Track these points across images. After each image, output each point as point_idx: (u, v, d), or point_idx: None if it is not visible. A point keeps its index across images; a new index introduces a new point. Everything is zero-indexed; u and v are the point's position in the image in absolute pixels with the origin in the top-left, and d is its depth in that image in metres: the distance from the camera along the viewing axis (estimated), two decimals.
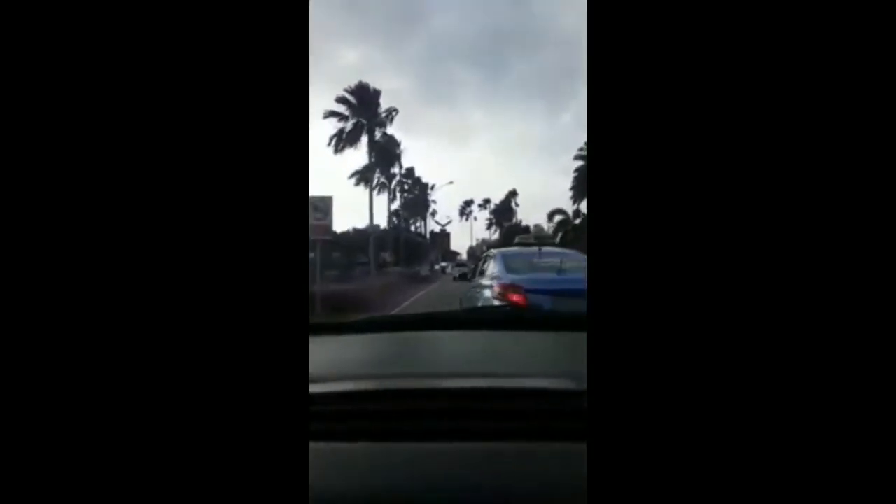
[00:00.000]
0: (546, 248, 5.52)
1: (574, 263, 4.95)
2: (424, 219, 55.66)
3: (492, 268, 5.30)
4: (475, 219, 77.55)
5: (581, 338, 0.57)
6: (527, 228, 59.21)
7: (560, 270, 4.72)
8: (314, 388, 0.67)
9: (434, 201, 58.06)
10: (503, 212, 67.79)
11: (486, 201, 73.07)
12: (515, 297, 4.40)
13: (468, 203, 77.48)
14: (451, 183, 41.22)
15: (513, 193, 69.53)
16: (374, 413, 0.72)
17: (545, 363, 0.98)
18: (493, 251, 6.06)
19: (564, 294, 4.16)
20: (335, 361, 1.00)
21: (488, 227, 71.40)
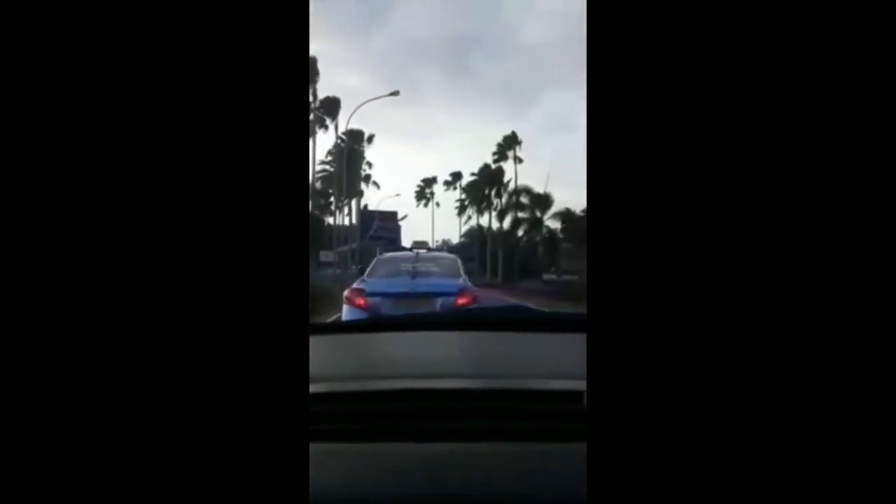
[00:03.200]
0: (424, 253, 5.99)
1: (437, 269, 5.44)
2: (354, 189, 34.22)
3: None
4: (437, 204, 55.90)
5: (581, 339, 0.57)
6: (548, 198, 38.03)
7: (415, 275, 5.15)
8: (314, 388, 0.69)
9: (370, 163, 37.44)
10: (487, 183, 43.23)
11: (455, 176, 51.49)
12: (358, 301, 4.90)
13: (429, 182, 56.25)
14: (395, 94, 20.46)
15: (511, 141, 42.18)
16: (374, 413, 0.73)
17: (545, 364, 0.98)
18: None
19: (406, 297, 4.76)
20: (335, 362, 1.00)
21: (460, 213, 49.75)
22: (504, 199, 40.88)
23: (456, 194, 49.51)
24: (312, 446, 0.53)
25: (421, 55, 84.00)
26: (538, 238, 38.89)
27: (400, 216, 52.11)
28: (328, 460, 0.62)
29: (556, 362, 0.97)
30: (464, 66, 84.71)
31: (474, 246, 44.35)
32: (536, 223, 38.66)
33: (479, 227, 45.64)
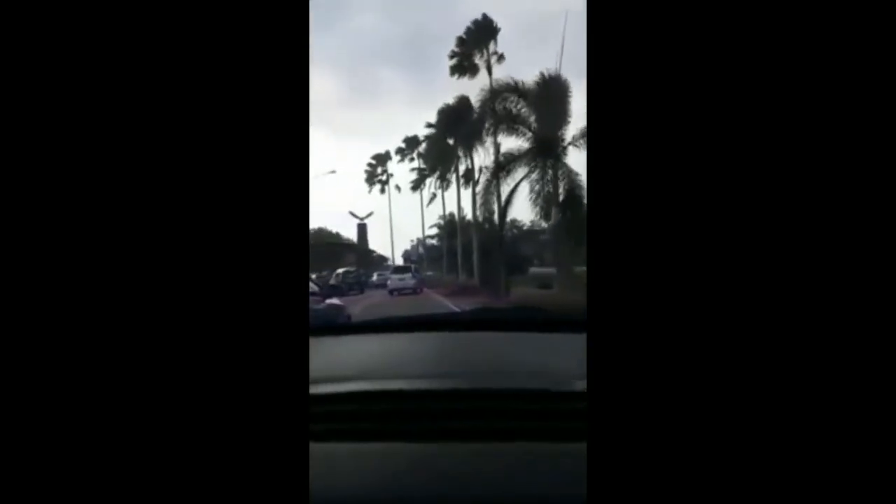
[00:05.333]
0: None
1: None
2: None
3: None
4: (398, 188, 41.87)
5: (581, 339, 0.57)
6: (563, 99, 14.05)
7: None
8: (314, 389, 0.69)
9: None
10: (449, 130, 23.79)
11: (411, 143, 37.44)
12: None
13: (381, 159, 42.27)
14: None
15: (482, 33, 20.47)
16: (375, 414, 0.73)
17: (545, 364, 0.98)
18: None
19: None
20: (336, 362, 1.00)
21: (416, 187, 32.75)
22: (480, 134, 18.32)
23: (414, 165, 35.39)
24: (312, 446, 0.53)
25: (380, 53, 79.21)
26: (549, 195, 14.41)
27: (363, 214, 41.73)
28: (328, 460, 0.62)
29: (557, 363, 0.96)
30: (425, 65, 78.59)
31: (446, 243, 30.64)
32: (547, 148, 14.35)
33: (449, 216, 31.72)
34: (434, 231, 37.75)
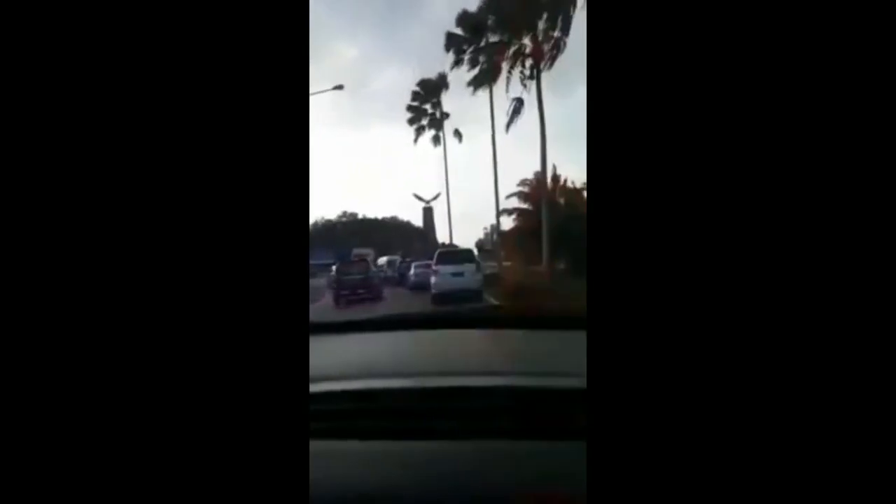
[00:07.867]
0: None
1: None
2: None
3: None
4: (458, 135, 26.26)
5: (581, 337, 0.57)
6: None
7: None
8: (314, 388, 0.69)
9: None
10: None
11: (475, 27, 22.06)
12: None
13: (430, 88, 26.94)
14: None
15: None
16: (375, 411, 0.73)
17: (546, 362, 0.98)
18: None
19: None
20: (336, 361, 1.01)
21: (480, 83, 16.94)
22: None
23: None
24: (312, 444, 0.54)
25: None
26: None
27: (430, 196, 36.06)
28: (328, 458, 0.62)
29: (558, 360, 0.96)
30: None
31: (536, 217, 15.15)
32: None
33: (540, 175, 15.97)
34: (514, 203, 21.26)
